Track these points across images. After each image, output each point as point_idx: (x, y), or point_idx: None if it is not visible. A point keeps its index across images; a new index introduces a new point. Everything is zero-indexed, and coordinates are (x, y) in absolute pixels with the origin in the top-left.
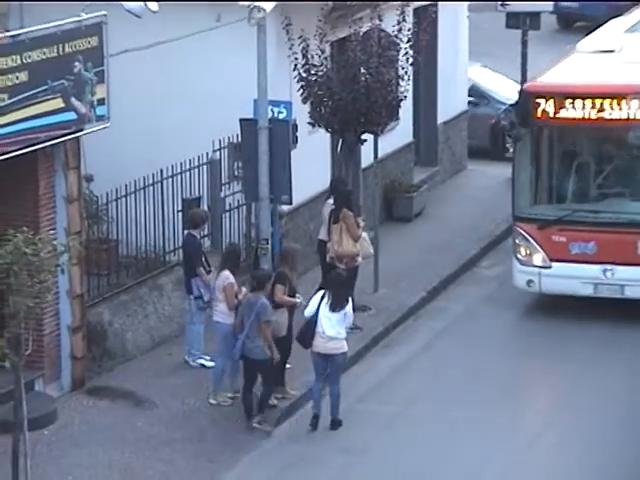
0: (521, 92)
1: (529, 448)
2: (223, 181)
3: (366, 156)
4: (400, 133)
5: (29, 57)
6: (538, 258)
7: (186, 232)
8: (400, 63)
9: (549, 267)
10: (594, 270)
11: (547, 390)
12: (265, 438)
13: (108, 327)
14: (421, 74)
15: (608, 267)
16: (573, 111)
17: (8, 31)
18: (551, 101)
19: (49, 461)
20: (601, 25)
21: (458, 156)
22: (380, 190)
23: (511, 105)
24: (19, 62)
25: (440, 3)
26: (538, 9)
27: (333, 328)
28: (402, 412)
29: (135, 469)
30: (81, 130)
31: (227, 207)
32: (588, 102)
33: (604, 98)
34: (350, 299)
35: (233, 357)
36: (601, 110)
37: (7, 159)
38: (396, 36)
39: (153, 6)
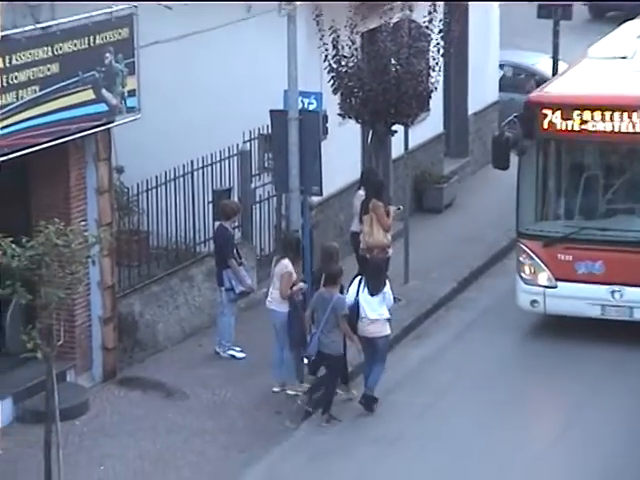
0: (526, 102)
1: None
2: (253, 172)
3: (396, 147)
4: (430, 124)
5: (60, 49)
6: (543, 277)
7: (217, 223)
8: (431, 54)
9: (554, 287)
10: (601, 291)
11: (559, 404)
12: (295, 429)
13: (139, 318)
14: (452, 65)
15: (616, 288)
16: (581, 123)
17: (39, 23)
18: (558, 112)
19: (81, 451)
20: (634, 16)
21: (489, 147)
22: (410, 181)
23: (516, 116)
24: (50, 54)
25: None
26: None
27: (375, 311)
28: (433, 403)
29: (166, 459)
30: (112, 122)
31: (257, 198)
32: (597, 114)
33: (614, 110)
34: (387, 281)
35: (309, 353)
36: (611, 122)
37: (38, 150)
38: (427, 27)
39: None
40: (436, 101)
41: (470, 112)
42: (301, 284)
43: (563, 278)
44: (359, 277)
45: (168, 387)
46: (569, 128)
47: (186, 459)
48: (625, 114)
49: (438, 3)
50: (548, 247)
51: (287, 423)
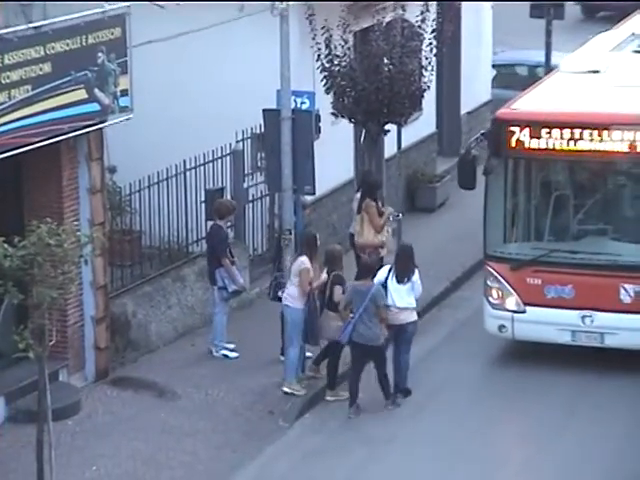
0: (493, 119)
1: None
2: (246, 172)
3: (389, 147)
4: (423, 123)
5: (52, 48)
6: (511, 302)
7: (211, 223)
8: (423, 53)
9: (523, 312)
10: (572, 316)
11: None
12: (289, 428)
13: (132, 318)
14: (444, 64)
15: (587, 313)
16: (550, 141)
17: (31, 22)
18: (526, 130)
19: (73, 451)
20: (625, 15)
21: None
22: (403, 180)
23: (483, 133)
24: (42, 53)
25: None
26: None
27: (403, 299)
28: (426, 403)
29: (158, 459)
30: (104, 121)
31: (250, 198)
32: (566, 132)
33: (584, 128)
34: (416, 270)
35: (341, 341)
36: (581, 141)
37: (31, 150)
38: (419, 26)
39: None
40: (429, 100)
41: (463, 111)
42: (323, 276)
43: (532, 303)
44: (389, 266)
45: (160, 387)
46: (538, 146)
47: (178, 459)
48: (596, 132)
49: (430, 3)
50: (516, 270)
51: (280, 423)
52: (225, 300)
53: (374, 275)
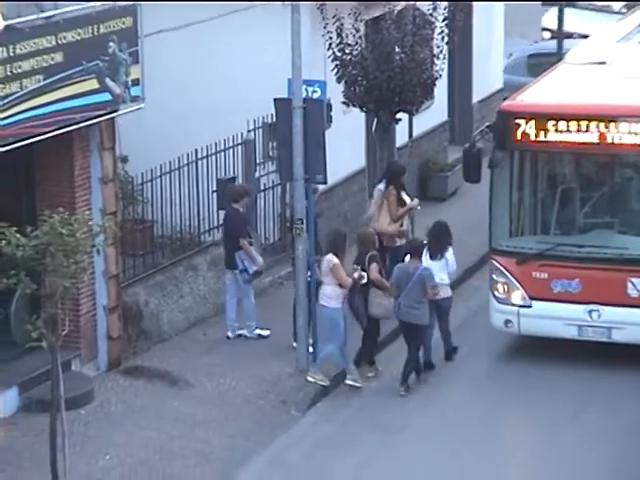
0: (498, 111)
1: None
2: (258, 161)
3: (401, 135)
4: (435, 112)
5: (64, 38)
6: (517, 296)
7: (228, 208)
8: (435, 42)
9: (529, 306)
10: (578, 311)
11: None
12: (301, 417)
13: (144, 307)
14: (456, 53)
15: (594, 307)
16: (556, 134)
17: (43, 12)
18: (532, 122)
19: (86, 440)
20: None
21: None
22: (415, 169)
23: (488, 126)
24: (54, 43)
25: None
26: None
27: (436, 275)
28: (437, 393)
29: (171, 448)
30: (116, 111)
31: (262, 187)
32: (572, 124)
33: (591, 120)
34: (450, 247)
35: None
36: (587, 133)
37: (43, 140)
38: (431, 15)
39: None
40: (440, 89)
41: (474, 100)
42: (363, 273)
43: (538, 297)
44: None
45: (173, 376)
46: (543, 139)
47: (191, 447)
48: (602, 124)
49: None
50: (522, 264)
51: (292, 411)
52: (248, 282)
53: (420, 255)
